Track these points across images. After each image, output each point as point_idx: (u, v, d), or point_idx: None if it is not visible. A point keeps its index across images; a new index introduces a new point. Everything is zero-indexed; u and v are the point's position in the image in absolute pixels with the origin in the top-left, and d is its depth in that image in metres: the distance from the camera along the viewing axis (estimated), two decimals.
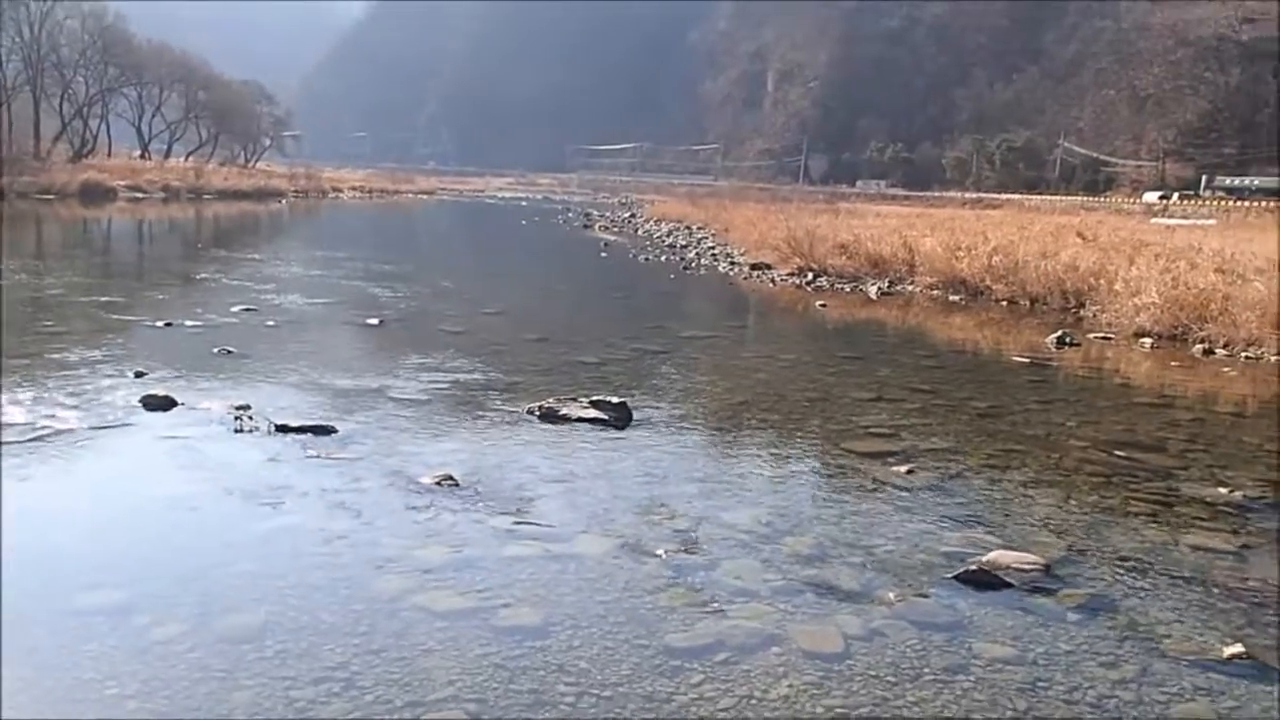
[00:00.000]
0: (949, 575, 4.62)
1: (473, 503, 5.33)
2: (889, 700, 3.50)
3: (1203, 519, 5.69)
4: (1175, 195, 70.92)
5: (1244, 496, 6.11)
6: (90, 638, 3.66)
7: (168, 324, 10.78)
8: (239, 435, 6.45)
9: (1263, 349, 11.76)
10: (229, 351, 9.26)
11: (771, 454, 6.85)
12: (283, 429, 6.52)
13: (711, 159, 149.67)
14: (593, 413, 7.23)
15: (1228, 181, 77.57)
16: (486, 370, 9.11)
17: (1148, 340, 12.82)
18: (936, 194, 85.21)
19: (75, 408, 6.79)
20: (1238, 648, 3.96)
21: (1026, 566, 4.68)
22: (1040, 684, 3.66)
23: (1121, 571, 4.82)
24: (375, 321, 11.82)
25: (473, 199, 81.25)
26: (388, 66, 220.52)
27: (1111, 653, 3.95)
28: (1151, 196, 71.96)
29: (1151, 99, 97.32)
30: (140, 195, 43.89)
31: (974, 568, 4.63)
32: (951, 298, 17.15)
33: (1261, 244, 20.22)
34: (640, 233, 34.95)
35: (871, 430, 7.48)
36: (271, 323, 11.38)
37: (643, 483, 5.90)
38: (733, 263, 22.49)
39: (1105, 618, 4.28)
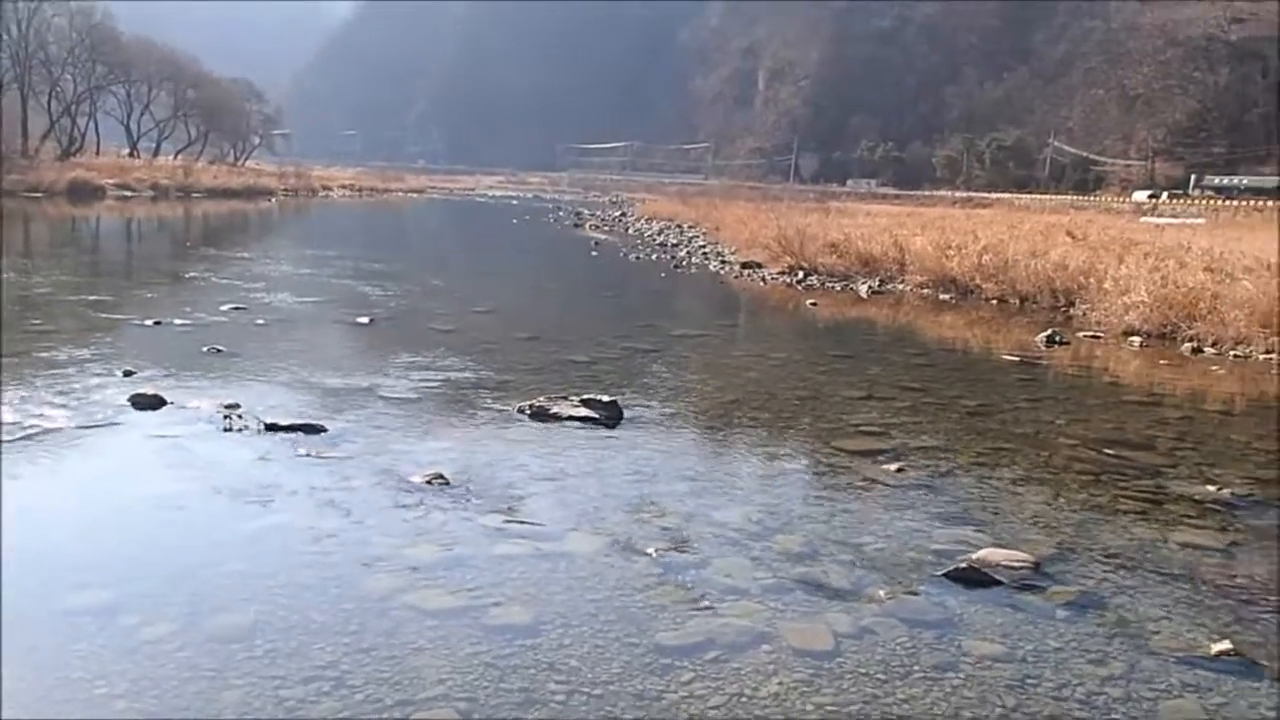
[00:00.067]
0: (939, 573, 4.63)
1: (463, 501, 5.32)
2: (879, 698, 3.51)
3: (1191, 516, 5.72)
4: (1164, 194, 71.22)
5: (1232, 494, 6.14)
6: (79, 637, 3.64)
7: (156, 323, 10.74)
8: (228, 434, 6.43)
9: (1251, 347, 11.82)
10: (218, 350, 9.22)
11: (762, 452, 6.86)
12: (272, 428, 6.49)
13: (702, 158, 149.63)
14: (583, 411, 7.22)
15: (1216, 181, 77.92)
16: (477, 369, 9.10)
17: (1137, 339, 12.87)
18: (927, 193, 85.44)
19: (63, 407, 6.75)
20: (1225, 644, 3.98)
21: (1016, 564, 4.70)
22: (1029, 681, 3.68)
23: (1110, 569, 4.84)
24: (365, 320, 11.79)
25: (463, 198, 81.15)
26: (377, 64, 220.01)
27: (1100, 650, 3.97)
28: (1141, 195, 72.27)
29: (1141, 98, 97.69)
30: (129, 194, 43.66)
31: (964, 565, 4.64)
32: (942, 296, 17.20)
33: (1250, 243, 20.34)
34: (631, 231, 34.95)
35: (862, 428, 7.50)
36: (261, 321, 11.34)
37: (633, 481, 5.90)
38: (723, 261, 22.50)
39: (1094, 615, 4.29)
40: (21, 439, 5.98)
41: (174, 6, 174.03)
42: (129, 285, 15.63)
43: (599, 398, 7.40)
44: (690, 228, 33.89)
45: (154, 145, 66.78)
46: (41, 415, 6.49)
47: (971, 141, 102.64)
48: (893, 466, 6.38)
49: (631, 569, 4.54)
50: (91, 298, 12.64)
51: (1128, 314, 13.50)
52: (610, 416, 7.22)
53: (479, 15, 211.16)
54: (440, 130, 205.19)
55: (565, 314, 14.78)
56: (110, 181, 44.69)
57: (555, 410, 7.26)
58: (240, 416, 6.72)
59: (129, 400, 6.95)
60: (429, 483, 5.54)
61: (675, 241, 29.04)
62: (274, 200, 51.86)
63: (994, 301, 16.64)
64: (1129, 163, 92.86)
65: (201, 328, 10.61)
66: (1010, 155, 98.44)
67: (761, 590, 4.36)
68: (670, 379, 9.35)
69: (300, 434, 6.42)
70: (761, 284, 18.88)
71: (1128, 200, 70.14)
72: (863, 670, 3.70)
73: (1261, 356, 11.57)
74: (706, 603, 4.21)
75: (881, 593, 4.40)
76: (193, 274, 16.65)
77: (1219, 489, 6.21)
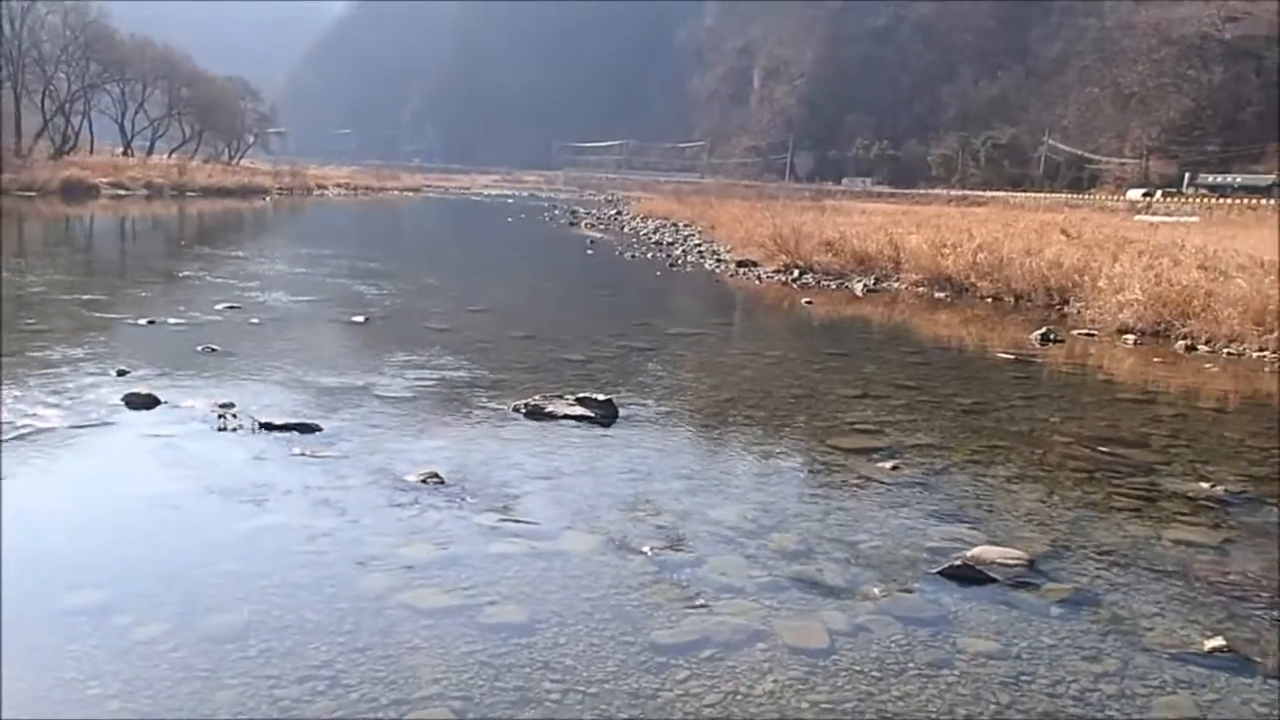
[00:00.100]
0: (933, 570, 4.64)
1: (458, 500, 5.31)
2: (874, 695, 3.51)
3: (1185, 514, 5.73)
4: (1159, 192, 71.38)
5: (1225, 491, 6.16)
6: (72, 637, 3.63)
7: (150, 322, 10.71)
8: (222, 433, 6.42)
9: (1244, 345, 11.85)
10: (212, 349, 9.20)
11: (757, 450, 6.86)
12: (267, 427, 6.48)
13: (698, 156, 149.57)
14: (579, 410, 7.22)
15: (1210, 179, 78.07)
16: (472, 368, 9.09)
17: (1131, 337, 12.90)
18: (922, 191, 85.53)
19: (57, 406, 6.73)
20: (1219, 641, 3.99)
21: (1010, 561, 4.71)
22: (1024, 678, 3.68)
23: (1104, 566, 4.85)
24: (360, 319, 11.77)
25: (458, 196, 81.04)
26: (372, 63, 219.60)
27: (1094, 647, 3.98)
28: (1135, 194, 72.40)
29: (1135, 97, 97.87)
30: (123, 192, 43.55)
31: (958, 563, 4.65)
32: (937, 294, 17.22)
33: (1244, 241, 20.41)
34: (626, 230, 34.94)
35: (857, 426, 7.51)
36: (255, 320, 11.32)
37: (629, 479, 5.90)
38: (719, 260, 22.51)
39: (1088, 612, 4.31)
40: (15, 439, 5.96)
41: (169, 5, 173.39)
42: (123, 284, 15.59)
43: (594, 396, 7.40)
44: (685, 226, 33.91)
45: (148, 144, 66.51)
46: (35, 415, 6.47)
47: (966, 140, 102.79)
48: (888, 464, 6.39)
49: (627, 567, 4.54)
50: (85, 297, 12.61)
51: (1122, 312, 13.53)
52: (605, 415, 7.22)
53: (474, 13, 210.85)
54: (435, 129, 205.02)
55: (560, 312, 14.78)
56: (104, 180, 44.57)
57: (550, 409, 7.26)
58: (235, 416, 6.71)
59: (123, 400, 6.94)
60: (424, 482, 5.54)
61: (670, 240, 29.04)
62: (269, 199, 51.71)
63: (989, 299, 16.66)
64: (1123, 161, 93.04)
65: (196, 327, 10.59)
66: (1005, 154, 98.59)
67: (756, 588, 4.37)
68: (665, 377, 9.35)
69: (295, 433, 6.42)
70: (757, 282, 18.89)
71: (1122, 198, 70.30)
72: (857, 668, 3.70)
73: (1255, 354, 11.61)
74: (702, 601, 4.21)
75: (876, 590, 4.40)
76: (187, 273, 16.61)
77: (1213, 486, 6.23)
